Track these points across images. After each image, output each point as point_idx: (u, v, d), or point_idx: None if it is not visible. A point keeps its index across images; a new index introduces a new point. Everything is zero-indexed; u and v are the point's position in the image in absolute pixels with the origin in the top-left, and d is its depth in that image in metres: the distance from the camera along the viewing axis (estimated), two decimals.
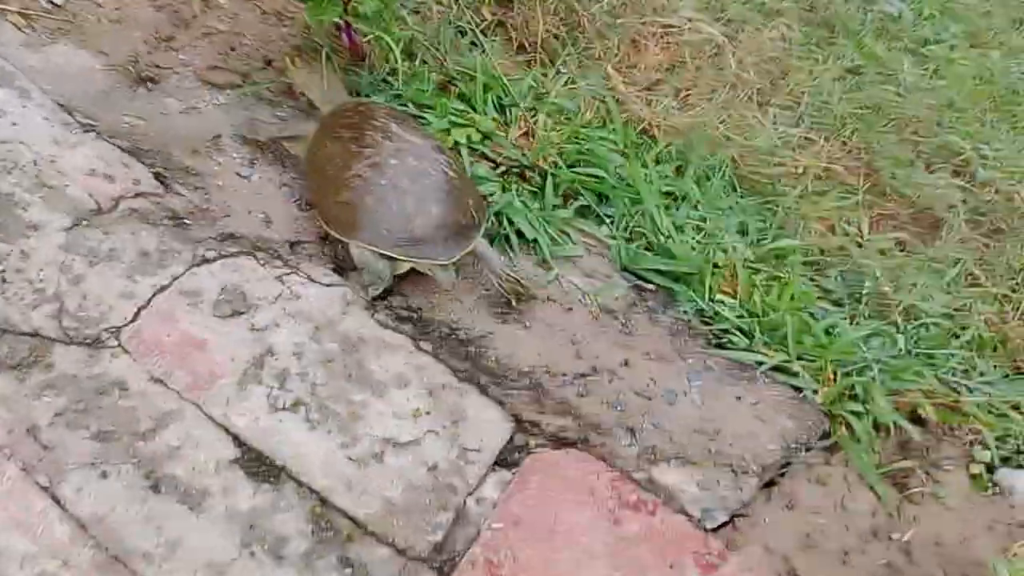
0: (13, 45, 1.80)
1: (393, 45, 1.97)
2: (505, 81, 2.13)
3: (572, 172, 1.97)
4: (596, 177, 1.97)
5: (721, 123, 2.41)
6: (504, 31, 2.43)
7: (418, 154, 1.63)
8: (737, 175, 2.33)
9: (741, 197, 2.25)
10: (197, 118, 1.80)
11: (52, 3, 1.89)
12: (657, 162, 2.22)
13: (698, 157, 2.27)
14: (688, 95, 2.51)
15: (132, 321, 1.45)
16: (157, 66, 1.88)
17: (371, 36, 1.97)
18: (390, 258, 1.58)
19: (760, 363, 1.74)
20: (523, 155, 1.99)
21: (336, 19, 1.84)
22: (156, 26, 1.94)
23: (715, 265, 1.92)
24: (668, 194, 2.12)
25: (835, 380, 1.78)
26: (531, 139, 2.08)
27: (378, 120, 1.67)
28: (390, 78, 2.03)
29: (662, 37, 2.64)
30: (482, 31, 2.32)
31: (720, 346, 1.78)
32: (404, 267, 1.60)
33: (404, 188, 1.58)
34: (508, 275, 1.64)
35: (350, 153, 1.61)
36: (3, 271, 1.44)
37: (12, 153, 1.56)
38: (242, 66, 1.95)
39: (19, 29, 1.84)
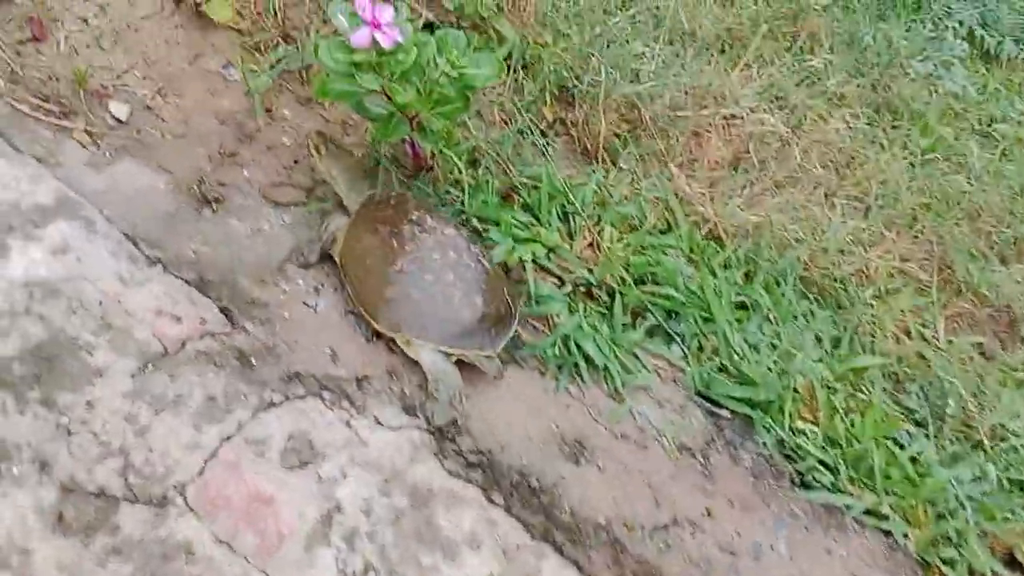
0: (78, 166, 1.78)
1: (457, 159, 1.92)
2: (569, 190, 2.08)
3: (641, 290, 1.90)
4: (666, 296, 1.90)
5: (788, 221, 2.33)
6: (565, 129, 2.38)
7: (456, 247, 1.68)
8: (806, 278, 2.25)
9: (813, 303, 2.17)
10: (262, 241, 1.76)
11: (117, 120, 1.87)
12: (725, 267, 2.15)
13: (767, 260, 2.19)
14: (753, 191, 2.44)
15: (198, 476, 1.40)
16: (221, 183, 1.85)
17: (435, 150, 1.93)
18: (444, 353, 1.60)
19: (849, 506, 1.66)
20: (589, 271, 1.93)
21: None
22: (220, 140, 1.92)
23: (794, 390, 1.84)
24: (739, 304, 2.05)
25: (926, 519, 1.69)
26: (596, 250, 2.02)
27: (413, 213, 1.70)
28: (453, 189, 1.99)
29: (724, 129, 2.57)
30: (542, 132, 2.28)
31: (805, 485, 1.69)
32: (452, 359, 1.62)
33: (449, 281, 1.62)
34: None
35: (391, 248, 1.64)
36: (68, 423, 1.40)
37: (77, 292, 1.53)
38: (306, 180, 1.92)
39: (83, 147, 1.82)
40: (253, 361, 1.55)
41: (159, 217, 1.73)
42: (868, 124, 2.85)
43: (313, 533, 1.38)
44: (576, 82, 2.38)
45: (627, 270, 1.96)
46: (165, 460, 1.40)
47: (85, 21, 1.97)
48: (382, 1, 1.48)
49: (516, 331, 1.71)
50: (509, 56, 2.28)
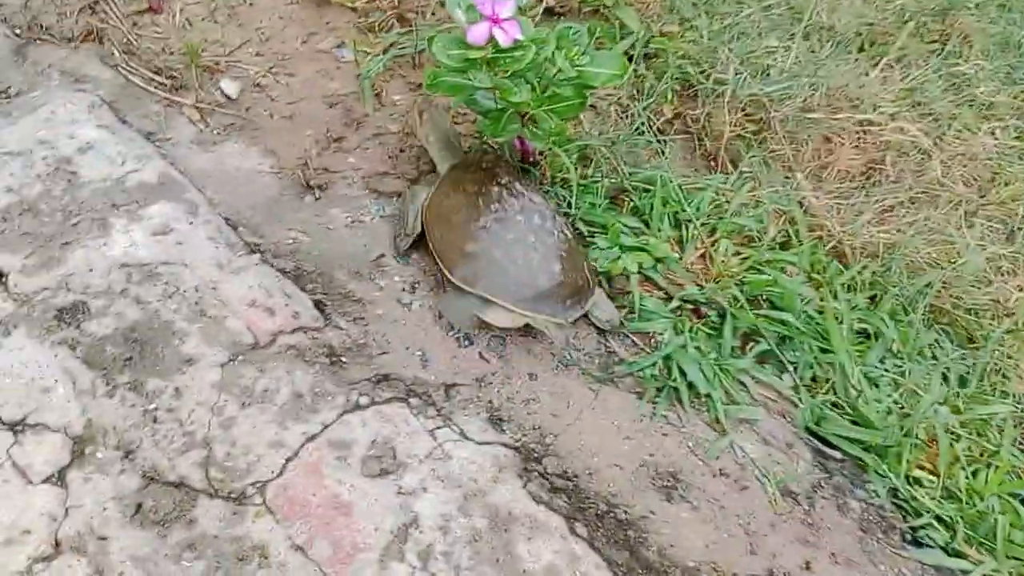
0: (185, 143, 1.77)
1: (566, 158, 1.83)
2: (683, 195, 1.95)
3: (754, 313, 1.77)
4: (781, 320, 1.77)
5: (923, 242, 2.14)
6: (684, 127, 2.25)
7: (542, 214, 1.66)
8: (936, 307, 2.07)
9: (940, 334, 1.99)
10: (362, 232, 1.72)
11: (227, 96, 1.86)
12: (848, 289, 1.99)
13: (894, 285, 2.02)
14: (885, 205, 2.25)
15: (278, 475, 1.37)
16: (326, 170, 1.81)
17: (545, 148, 1.84)
18: (508, 311, 1.58)
19: (965, 572, 1.51)
20: (699, 287, 1.81)
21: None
22: (328, 125, 1.88)
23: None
24: (860, 332, 1.89)
25: None
26: (709, 264, 1.89)
27: (503, 177, 1.69)
28: (561, 189, 1.89)
29: (859, 136, 2.38)
30: (659, 129, 2.15)
31: (917, 542, 1.54)
32: (520, 321, 1.60)
33: (530, 244, 1.60)
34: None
35: (477, 206, 1.63)
36: (155, 409, 1.39)
37: (175, 276, 1.52)
38: (412, 170, 1.86)
39: (192, 123, 1.81)
40: (343, 359, 1.51)
41: (261, 203, 1.70)
42: (1017, 139, 2.59)
43: (388, 547, 1.33)
44: (701, 78, 2.23)
45: (740, 288, 1.83)
46: (248, 456, 1.38)
47: None
48: None
49: (606, 341, 1.66)
50: (631, 48, 2.15)
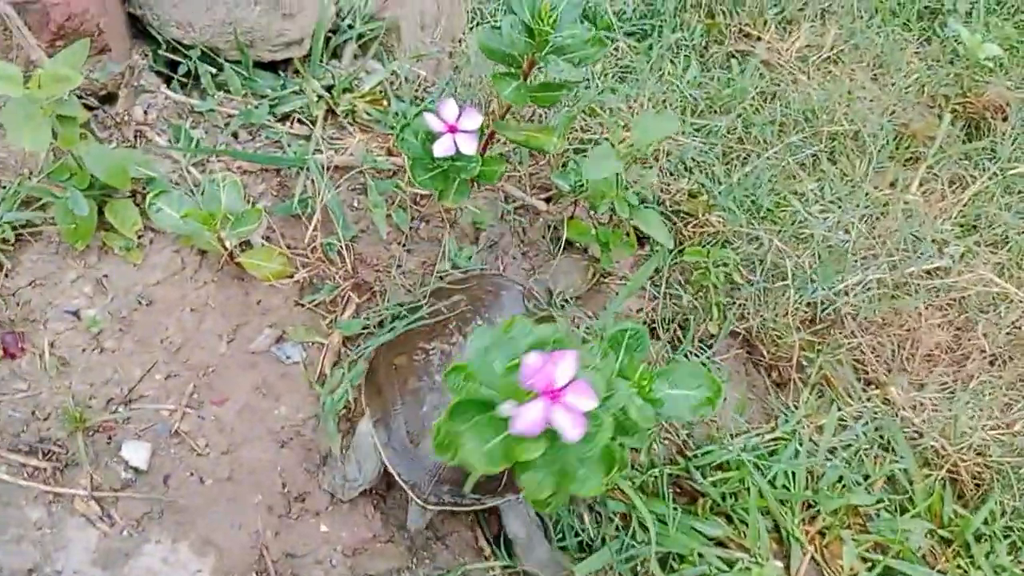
0: (86, 564, 1.21)
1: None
2: (765, 461, 1.47)
3: None
4: None
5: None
6: (739, 343, 1.76)
7: None
8: None
9: None
10: None
11: (134, 469, 1.30)
12: (978, 540, 1.54)
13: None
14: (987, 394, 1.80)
15: None
16: (290, 555, 1.28)
17: None
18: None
19: None
20: None
21: None
22: (284, 477, 1.34)
23: None
24: None
25: None
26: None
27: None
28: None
29: (935, 297, 1.92)
30: (706, 345, 1.67)
31: None
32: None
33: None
34: None
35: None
36: None
37: None
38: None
39: (91, 522, 1.25)
40: None
41: None
42: None
43: None
44: (745, 280, 1.75)
45: None
46: None
47: (75, 315, 1.38)
48: None
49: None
50: (656, 272, 1.67)
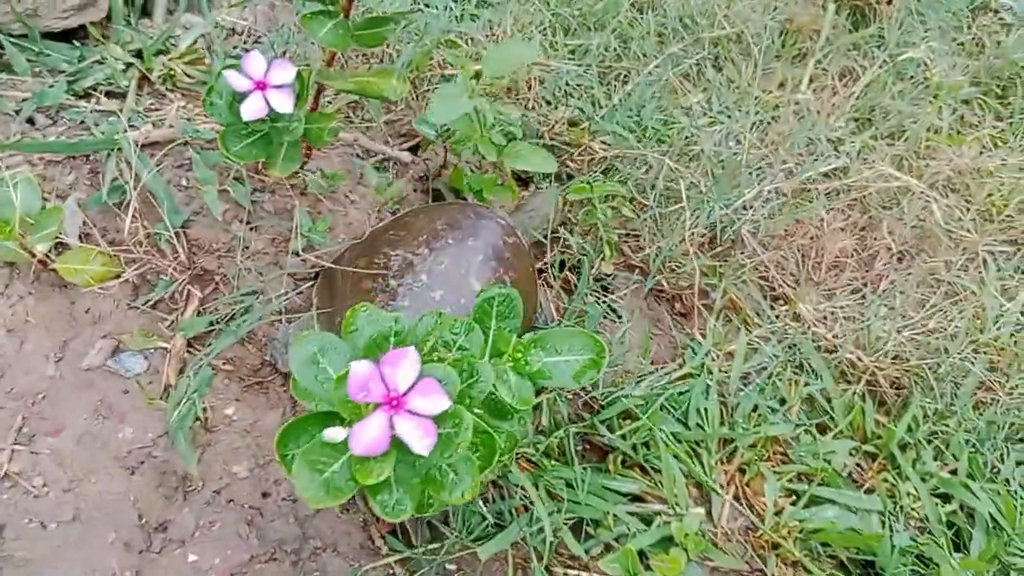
0: None
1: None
2: (676, 399, 1.37)
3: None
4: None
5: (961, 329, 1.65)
6: (629, 270, 1.64)
7: None
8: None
9: None
10: None
11: None
12: (903, 450, 1.49)
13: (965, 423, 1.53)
14: (902, 295, 1.73)
15: None
16: None
17: None
18: None
19: None
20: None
21: None
22: (139, 508, 1.17)
23: None
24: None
25: None
26: (757, 513, 1.33)
27: None
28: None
29: (834, 199, 1.83)
30: (604, 288, 1.54)
31: None
32: None
33: None
34: None
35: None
36: None
37: None
38: (291, 529, 1.19)
39: None
40: None
41: None
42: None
43: None
44: (636, 211, 1.62)
45: (808, 547, 1.28)
46: None
47: None
48: None
49: None
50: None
